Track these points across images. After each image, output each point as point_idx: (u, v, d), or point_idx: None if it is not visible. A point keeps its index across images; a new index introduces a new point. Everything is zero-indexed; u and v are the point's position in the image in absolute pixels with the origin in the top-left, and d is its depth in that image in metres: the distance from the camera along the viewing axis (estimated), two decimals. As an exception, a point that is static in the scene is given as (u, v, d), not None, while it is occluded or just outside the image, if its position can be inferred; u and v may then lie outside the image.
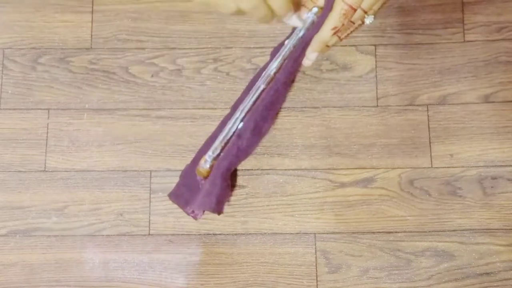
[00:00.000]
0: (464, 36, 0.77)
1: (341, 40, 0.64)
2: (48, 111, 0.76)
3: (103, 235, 0.72)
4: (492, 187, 0.73)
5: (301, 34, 0.63)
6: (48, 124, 0.75)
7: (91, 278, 0.71)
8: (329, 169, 0.74)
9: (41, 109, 0.76)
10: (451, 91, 0.76)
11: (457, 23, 0.78)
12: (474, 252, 0.72)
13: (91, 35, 0.78)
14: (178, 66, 0.77)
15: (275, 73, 0.62)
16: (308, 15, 0.63)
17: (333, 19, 0.62)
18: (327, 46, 0.64)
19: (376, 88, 0.76)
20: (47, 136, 0.75)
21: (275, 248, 0.72)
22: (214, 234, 0.73)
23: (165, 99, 0.76)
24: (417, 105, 0.75)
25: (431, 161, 0.74)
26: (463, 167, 0.74)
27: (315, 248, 0.72)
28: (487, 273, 0.71)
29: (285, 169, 0.74)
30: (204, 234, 0.73)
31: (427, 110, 0.76)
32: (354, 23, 0.64)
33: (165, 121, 0.75)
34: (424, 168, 0.74)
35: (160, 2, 0.79)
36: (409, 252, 0.72)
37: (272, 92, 0.61)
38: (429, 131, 0.75)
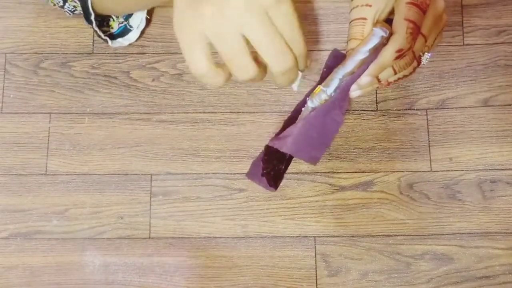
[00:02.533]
0: (463, 40, 0.77)
1: (389, 84, 0.59)
2: (50, 115, 0.76)
3: (104, 238, 0.73)
4: (491, 190, 0.73)
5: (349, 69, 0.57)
6: (49, 128, 0.76)
7: (92, 281, 0.72)
8: (329, 172, 0.74)
9: (42, 113, 0.76)
10: (450, 95, 0.76)
11: (457, 26, 0.78)
12: (473, 256, 0.72)
13: (93, 40, 0.78)
14: (178, 70, 0.78)
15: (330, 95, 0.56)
16: (373, 38, 0.57)
17: (398, 41, 0.56)
18: (379, 80, 0.58)
19: (376, 92, 0.76)
20: (48, 140, 0.76)
21: (275, 251, 0.73)
22: (214, 237, 0.73)
23: (166, 103, 0.76)
24: (417, 109, 0.76)
25: (431, 165, 0.74)
26: (462, 170, 0.74)
27: (315, 251, 0.72)
28: (486, 277, 0.71)
29: (285, 173, 0.74)
30: (204, 237, 0.73)
31: (427, 114, 0.76)
32: (410, 64, 0.59)
33: (166, 125, 0.76)
34: (423, 171, 0.74)
35: (160, 7, 0.79)
36: (408, 255, 0.72)
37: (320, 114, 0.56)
38: (428, 135, 0.75)
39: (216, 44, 0.47)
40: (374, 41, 0.57)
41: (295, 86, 0.53)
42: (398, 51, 0.56)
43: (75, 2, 0.63)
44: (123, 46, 0.73)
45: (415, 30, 0.57)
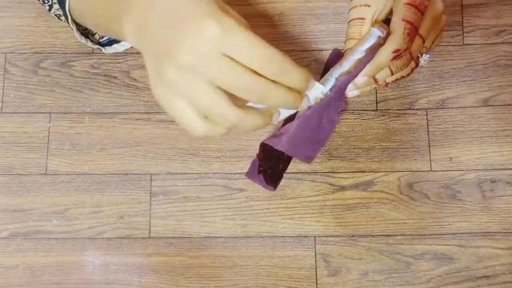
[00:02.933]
0: (463, 39, 0.77)
1: (386, 85, 0.60)
2: (50, 115, 0.76)
3: (104, 238, 0.73)
4: (491, 190, 0.73)
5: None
6: (49, 127, 0.76)
7: (92, 281, 0.72)
8: (328, 172, 0.75)
9: (42, 113, 0.76)
10: (450, 95, 0.76)
11: (456, 26, 0.78)
12: (473, 255, 0.72)
13: (93, 40, 0.78)
14: (178, 70, 0.77)
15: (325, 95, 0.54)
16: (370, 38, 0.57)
17: (395, 41, 0.56)
18: (376, 81, 0.58)
19: (376, 92, 0.76)
20: (48, 140, 0.76)
21: (275, 251, 0.73)
22: (214, 237, 0.73)
23: (166, 103, 0.76)
24: (417, 109, 0.76)
25: (431, 165, 0.74)
26: (462, 170, 0.74)
27: (315, 251, 0.72)
28: (486, 276, 0.71)
29: (285, 172, 0.74)
30: (204, 237, 0.73)
31: (427, 114, 0.76)
32: (407, 64, 0.59)
33: (166, 125, 0.76)
34: (423, 171, 0.74)
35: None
36: (408, 255, 0.72)
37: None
38: (428, 134, 0.75)
39: (194, 103, 0.45)
40: (371, 41, 0.58)
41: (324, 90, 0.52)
42: (395, 51, 0.56)
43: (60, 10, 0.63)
44: (118, 51, 0.73)
45: (413, 31, 0.57)
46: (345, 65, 0.57)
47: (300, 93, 0.48)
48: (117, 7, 0.53)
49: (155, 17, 0.47)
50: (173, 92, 0.46)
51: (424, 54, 0.60)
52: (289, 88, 0.47)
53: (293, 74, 0.46)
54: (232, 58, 0.45)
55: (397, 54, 0.56)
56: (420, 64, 0.61)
